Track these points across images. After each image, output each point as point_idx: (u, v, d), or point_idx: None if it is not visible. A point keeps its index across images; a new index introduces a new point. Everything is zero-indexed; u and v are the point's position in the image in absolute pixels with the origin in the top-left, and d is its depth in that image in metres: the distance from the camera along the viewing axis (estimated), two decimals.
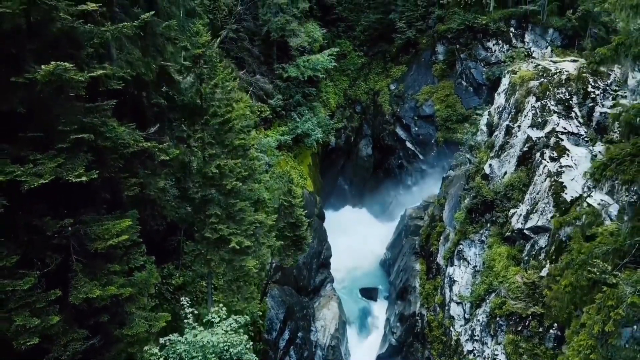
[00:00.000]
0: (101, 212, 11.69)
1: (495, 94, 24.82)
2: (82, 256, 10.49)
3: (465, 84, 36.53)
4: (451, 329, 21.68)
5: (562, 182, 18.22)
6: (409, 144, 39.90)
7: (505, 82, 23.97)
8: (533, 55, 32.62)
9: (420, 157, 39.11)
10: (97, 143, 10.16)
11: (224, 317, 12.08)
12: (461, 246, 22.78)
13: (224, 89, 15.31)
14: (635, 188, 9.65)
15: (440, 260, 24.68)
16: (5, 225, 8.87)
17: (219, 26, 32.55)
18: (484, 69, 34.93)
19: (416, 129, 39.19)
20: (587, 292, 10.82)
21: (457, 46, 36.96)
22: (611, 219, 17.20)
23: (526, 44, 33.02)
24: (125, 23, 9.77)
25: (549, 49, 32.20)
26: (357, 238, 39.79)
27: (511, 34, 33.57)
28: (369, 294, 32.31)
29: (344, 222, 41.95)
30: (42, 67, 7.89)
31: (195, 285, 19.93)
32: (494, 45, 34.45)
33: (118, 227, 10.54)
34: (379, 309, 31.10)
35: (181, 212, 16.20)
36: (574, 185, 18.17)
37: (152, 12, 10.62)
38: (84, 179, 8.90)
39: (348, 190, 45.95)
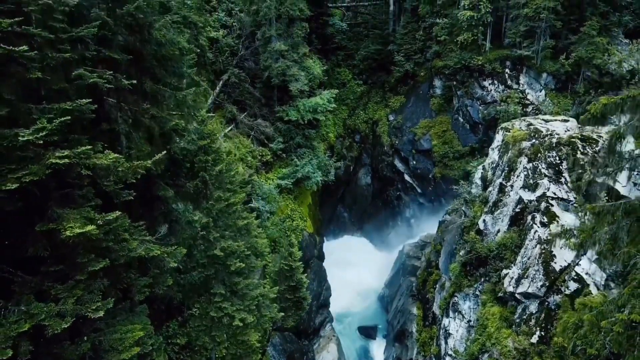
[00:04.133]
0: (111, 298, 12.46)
1: (489, 148, 25.59)
2: None
3: (462, 120, 37.29)
4: None
5: (552, 252, 18.97)
6: (407, 177, 40.68)
7: (498, 138, 24.73)
8: (527, 98, 33.42)
9: (419, 190, 39.88)
10: (112, 263, 10.94)
11: None
12: (456, 298, 23.53)
13: (228, 174, 16.09)
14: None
15: (436, 309, 25.44)
16: None
17: (221, 69, 33.36)
18: (480, 107, 35.68)
19: (414, 162, 39.95)
20: None
21: (454, 83, 37.75)
22: (598, 288, 18.07)
23: (521, 85, 33.80)
24: (141, 162, 10.53)
25: (543, 92, 32.98)
26: (356, 268, 40.58)
27: (506, 75, 34.34)
28: (367, 332, 33.07)
29: (343, 251, 42.81)
30: (68, 231, 8.66)
31: (200, 345, 20.67)
32: (489, 84, 35.21)
33: (131, 337, 11.30)
34: (377, 347, 31.86)
35: (186, 288, 16.98)
36: (563, 253, 18.91)
37: (164, 153, 11.40)
38: (101, 313, 9.66)
39: (347, 217, 46.77)
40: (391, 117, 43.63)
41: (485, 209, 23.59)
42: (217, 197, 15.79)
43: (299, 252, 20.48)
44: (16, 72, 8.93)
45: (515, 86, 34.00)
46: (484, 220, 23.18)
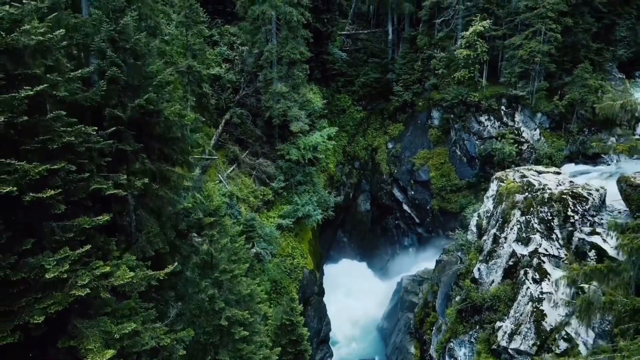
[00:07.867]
0: None
1: (485, 197, 26.37)
2: None
3: (459, 153, 38.07)
4: None
5: (543, 311, 19.74)
6: (405, 207, 41.44)
7: (493, 187, 25.50)
8: (523, 135, 34.22)
9: (417, 220, 40.64)
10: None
11: None
12: (452, 344, 24.29)
13: (233, 246, 16.89)
14: None
15: (432, 352, 26.19)
16: None
17: (223, 106, 34.16)
18: (477, 142, 36.45)
19: (412, 192, 40.72)
20: None
21: (452, 116, 38.53)
22: (586, 347, 18.85)
23: (516, 123, 34.59)
24: (153, 273, 11.32)
25: (538, 130, 33.77)
26: (355, 294, 41.33)
27: (502, 112, 35.14)
28: None
29: (342, 275, 43.52)
30: (89, 359, 9.45)
31: None
32: (486, 120, 36.00)
33: None
34: None
35: (191, 349, 17.75)
36: (553, 313, 19.69)
37: (176, 264, 12.18)
38: None
39: (347, 242, 47.52)
40: (390, 145, 44.43)
41: (480, 258, 24.35)
42: (223, 269, 16.59)
43: (299, 300, 21.21)
44: (42, 207, 9.71)
45: (510, 123, 34.79)
46: (479, 269, 23.95)
